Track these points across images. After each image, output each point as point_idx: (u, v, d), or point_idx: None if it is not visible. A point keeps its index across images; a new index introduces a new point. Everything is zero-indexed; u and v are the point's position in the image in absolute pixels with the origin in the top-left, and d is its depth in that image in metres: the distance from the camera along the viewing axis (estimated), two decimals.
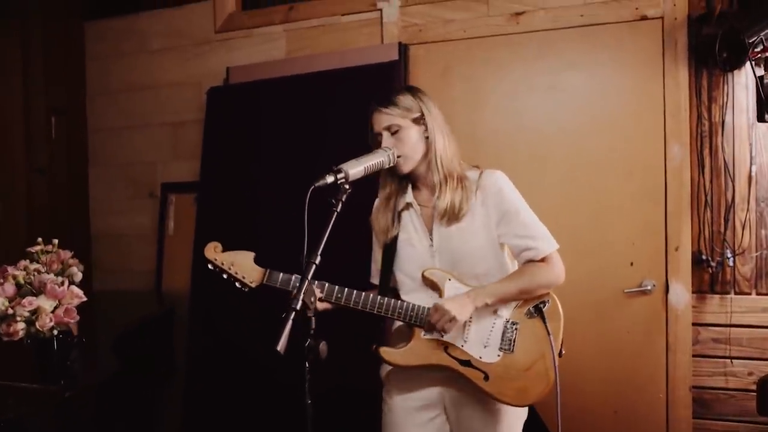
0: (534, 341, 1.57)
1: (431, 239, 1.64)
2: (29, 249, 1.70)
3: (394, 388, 1.70)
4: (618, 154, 2.45)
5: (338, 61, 2.69)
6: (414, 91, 1.67)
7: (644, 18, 2.41)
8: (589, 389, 2.46)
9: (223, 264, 1.58)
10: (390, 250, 1.68)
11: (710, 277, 2.36)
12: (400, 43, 2.62)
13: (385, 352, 1.60)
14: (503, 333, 1.58)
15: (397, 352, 1.60)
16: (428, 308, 1.56)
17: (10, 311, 1.42)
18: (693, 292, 2.36)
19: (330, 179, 1.38)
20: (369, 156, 1.52)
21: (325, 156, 2.52)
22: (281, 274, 1.58)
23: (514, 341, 1.57)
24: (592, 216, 2.47)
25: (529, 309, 1.59)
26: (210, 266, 1.60)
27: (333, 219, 1.35)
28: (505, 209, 1.61)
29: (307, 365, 1.21)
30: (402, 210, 1.69)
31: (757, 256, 2.31)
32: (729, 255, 2.31)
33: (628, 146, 2.44)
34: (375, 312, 1.58)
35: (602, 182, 2.47)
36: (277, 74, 2.79)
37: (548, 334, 1.56)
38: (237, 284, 1.60)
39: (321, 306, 1.55)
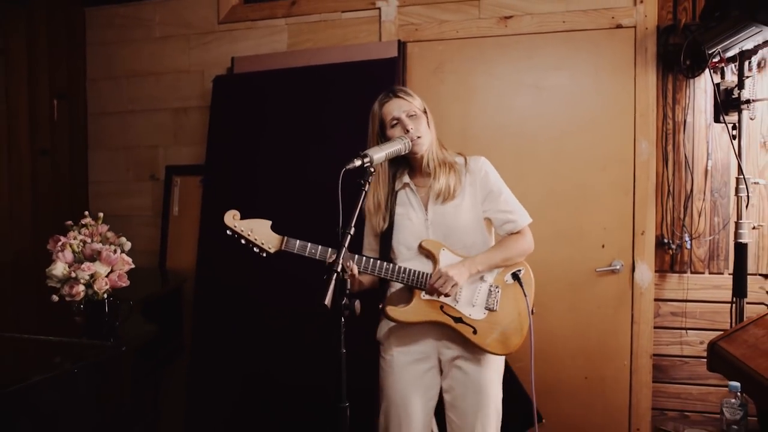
0: (512, 302, 1.88)
1: (427, 214, 1.90)
2: (68, 222, 1.85)
3: (394, 345, 1.94)
4: (594, 148, 2.72)
5: (340, 56, 2.89)
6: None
7: (619, 27, 2.69)
8: (562, 357, 2.75)
9: (242, 230, 1.74)
10: (389, 225, 1.92)
11: (670, 258, 2.67)
12: (399, 41, 2.83)
13: (391, 309, 1.83)
14: (488, 295, 1.87)
15: (401, 310, 1.83)
16: (427, 273, 1.82)
17: (73, 274, 1.59)
18: (655, 271, 2.67)
19: (358, 162, 1.61)
20: (389, 144, 1.76)
21: (329, 145, 2.75)
22: (298, 241, 1.77)
23: (497, 302, 1.86)
24: (569, 203, 2.75)
25: (508, 275, 1.89)
26: (229, 232, 1.74)
27: (363, 196, 1.57)
28: (490, 189, 1.92)
29: (343, 320, 1.42)
30: (399, 189, 1.94)
31: (710, 240, 2.63)
32: (687, 239, 2.63)
33: (602, 141, 2.72)
34: (382, 275, 1.82)
35: (579, 173, 2.74)
36: (280, 65, 2.97)
37: (525, 296, 1.87)
38: (255, 249, 1.75)
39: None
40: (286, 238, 1.76)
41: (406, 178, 1.93)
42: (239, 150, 2.96)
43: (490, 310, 1.85)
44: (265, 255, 1.76)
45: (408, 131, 1.82)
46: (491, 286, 1.87)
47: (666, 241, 2.65)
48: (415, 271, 1.83)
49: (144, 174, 3.38)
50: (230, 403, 2.82)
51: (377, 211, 1.91)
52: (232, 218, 1.75)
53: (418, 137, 1.83)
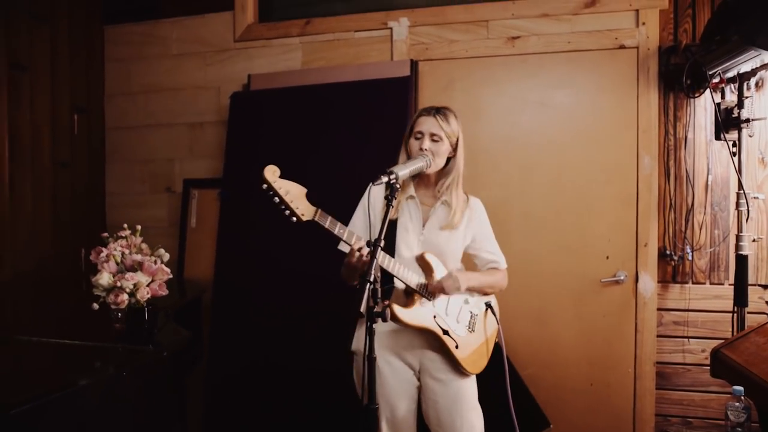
0: (482, 328, 2.08)
1: (423, 231, 2.01)
2: (104, 234, 1.93)
3: (379, 349, 1.91)
4: (598, 163, 2.84)
5: (354, 74, 3.00)
6: (458, 120, 2.03)
7: (622, 47, 2.81)
8: (569, 365, 2.85)
9: (280, 189, 1.64)
10: (391, 231, 1.98)
11: (672, 269, 2.78)
12: (411, 60, 2.95)
13: (397, 308, 1.85)
14: (470, 317, 2.04)
15: (405, 310, 1.88)
16: (427, 283, 1.93)
17: (118, 284, 1.68)
18: (658, 282, 2.78)
19: (385, 179, 1.71)
20: (413, 161, 1.87)
21: (343, 161, 2.85)
22: (330, 216, 1.71)
23: (474, 324, 2.05)
24: (574, 216, 2.86)
25: (482, 304, 2.10)
26: (265, 186, 1.64)
27: (389, 210, 1.66)
28: (482, 230, 2.13)
29: (373, 326, 1.51)
30: (404, 199, 2.02)
31: (711, 251, 2.74)
32: (688, 251, 2.74)
33: (606, 156, 2.83)
34: (394, 272, 1.84)
35: (584, 187, 2.85)
36: (296, 83, 3.07)
37: (497, 323, 2.13)
38: (287, 212, 1.66)
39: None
40: (319, 210, 1.70)
41: (412, 191, 2.02)
42: (256, 164, 3.03)
43: (470, 330, 2.02)
44: (295, 220, 1.68)
45: (422, 149, 1.92)
46: (471, 309, 2.05)
47: (668, 252, 2.76)
48: (422, 280, 1.94)
49: (160, 186, 3.47)
50: (247, 402, 2.90)
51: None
52: (272, 173, 1.65)
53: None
